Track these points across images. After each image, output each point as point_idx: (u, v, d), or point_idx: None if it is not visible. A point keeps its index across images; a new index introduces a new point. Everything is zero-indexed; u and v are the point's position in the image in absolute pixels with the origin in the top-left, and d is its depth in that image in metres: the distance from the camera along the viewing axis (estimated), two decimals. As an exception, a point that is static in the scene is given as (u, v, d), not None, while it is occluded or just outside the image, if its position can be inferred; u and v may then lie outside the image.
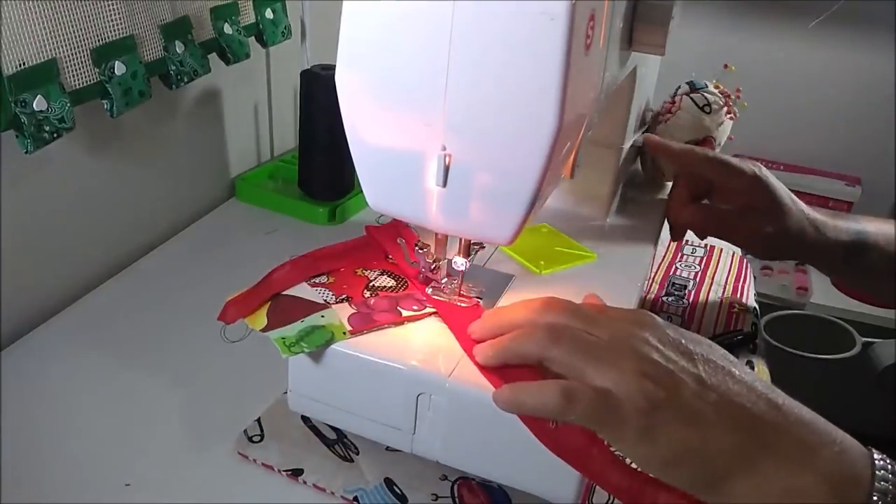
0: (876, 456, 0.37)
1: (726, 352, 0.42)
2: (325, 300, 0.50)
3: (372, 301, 0.50)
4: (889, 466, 0.37)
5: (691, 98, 0.73)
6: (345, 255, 0.55)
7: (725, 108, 0.74)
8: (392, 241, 0.56)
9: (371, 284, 0.53)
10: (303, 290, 0.51)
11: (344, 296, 0.51)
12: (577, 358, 0.39)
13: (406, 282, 0.53)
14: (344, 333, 0.47)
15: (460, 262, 0.50)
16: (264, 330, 0.47)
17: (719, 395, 0.38)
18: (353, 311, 0.49)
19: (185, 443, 0.53)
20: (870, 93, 1.58)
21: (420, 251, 0.52)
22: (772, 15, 1.59)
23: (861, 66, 1.56)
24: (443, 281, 0.52)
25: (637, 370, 0.38)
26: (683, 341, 0.41)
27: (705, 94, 0.73)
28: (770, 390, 0.39)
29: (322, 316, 0.48)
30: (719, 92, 0.74)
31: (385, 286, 0.53)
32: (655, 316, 0.43)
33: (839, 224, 0.66)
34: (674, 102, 0.74)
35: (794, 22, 1.57)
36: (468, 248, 0.50)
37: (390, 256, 0.56)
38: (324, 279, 0.53)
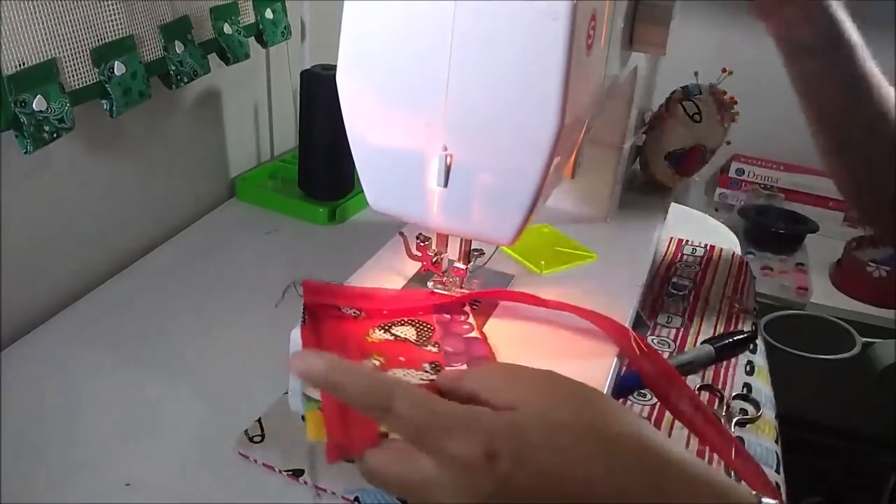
0: None
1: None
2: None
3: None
4: None
5: (682, 105, 0.73)
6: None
7: (718, 117, 0.73)
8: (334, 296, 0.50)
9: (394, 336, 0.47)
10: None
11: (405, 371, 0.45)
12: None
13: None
14: None
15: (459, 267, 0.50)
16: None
17: None
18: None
19: (185, 443, 0.53)
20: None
21: (422, 244, 0.52)
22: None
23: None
24: (443, 274, 0.52)
25: None
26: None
27: (697, 101, 0.73)
28: None
29: None
30: (713, 99, 0.73)
31: (404, 336, 0.48)
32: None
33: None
34: (667, 108, 0.74)
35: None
36: (468, 255, 0.50)
37: (355, 310, 0.49)
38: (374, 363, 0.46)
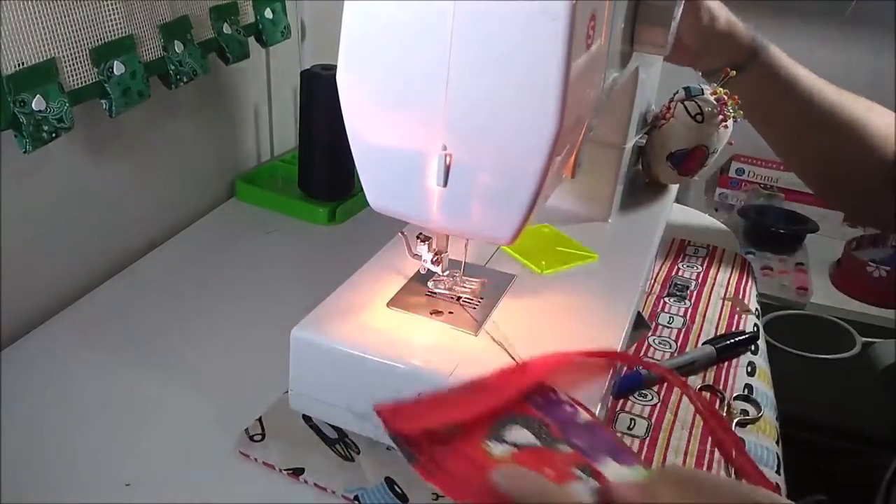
0: None
1: None
2: None
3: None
4: None
5: (685, 106, 0.73)
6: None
7: (720, 117, 0.73)
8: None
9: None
10: None
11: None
12: None
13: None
14: None
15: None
16: None
17: None
18: None
19: (186, 443, 0.53)
20: (870, 93, 1.58)
21: (422, 243, 0.52)
22: (772, 15, 1.59)
23: (861, 66, 1.56)
24: (444, 274, 0.52)
25: None
26: None
27: (699, 101, 0.73)
28: None
29: None
30: (715, 99, 0.73)
31: (526, 443, 0.39)
32: None
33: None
34: (669, 109, 0.74)
35: (794, 22, 1.57)
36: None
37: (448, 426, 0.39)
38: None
